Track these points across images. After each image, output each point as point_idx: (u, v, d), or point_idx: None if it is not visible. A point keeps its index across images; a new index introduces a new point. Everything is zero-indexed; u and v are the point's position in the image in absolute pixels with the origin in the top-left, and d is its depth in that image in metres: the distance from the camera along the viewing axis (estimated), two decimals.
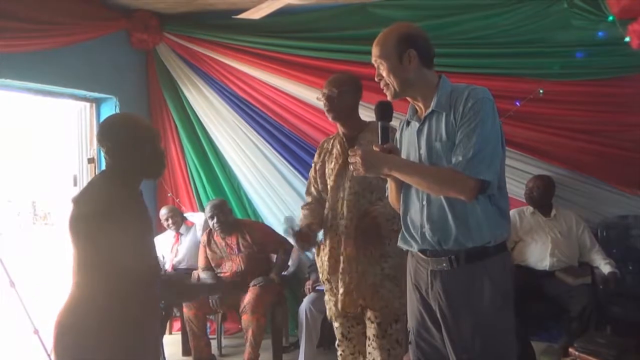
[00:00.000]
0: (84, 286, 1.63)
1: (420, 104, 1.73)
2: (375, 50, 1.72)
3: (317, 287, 3.49)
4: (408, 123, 1.81)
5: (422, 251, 1.72)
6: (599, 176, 3.34)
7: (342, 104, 2.33)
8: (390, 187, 1.84)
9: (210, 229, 3.77)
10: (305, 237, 2.31)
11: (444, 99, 1.67)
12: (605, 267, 3.14)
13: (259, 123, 4.20)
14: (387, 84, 1.70)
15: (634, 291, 3.15)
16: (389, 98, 1.74)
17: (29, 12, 3.43)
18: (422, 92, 1.71)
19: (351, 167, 1.74)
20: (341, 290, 2.28)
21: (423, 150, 1.69)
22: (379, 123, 1.74)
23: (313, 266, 3.52)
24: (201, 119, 4.43)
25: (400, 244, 1.84)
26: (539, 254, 3.28)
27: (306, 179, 3.79)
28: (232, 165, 4.40)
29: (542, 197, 3.33)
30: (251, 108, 4.22)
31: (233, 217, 3.83)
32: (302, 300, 3.57)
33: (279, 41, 3.96)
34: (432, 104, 1.68)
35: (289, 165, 4.14)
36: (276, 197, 4.21)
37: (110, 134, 1.75)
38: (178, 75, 4.43)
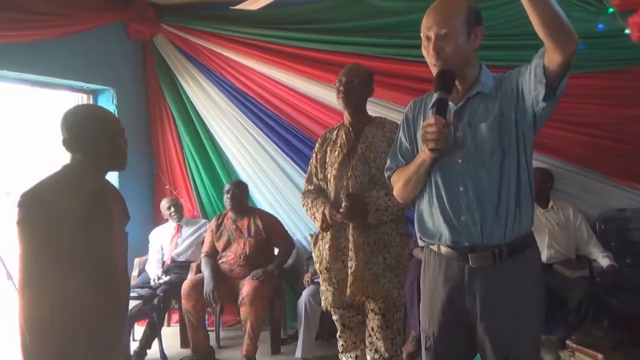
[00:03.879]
0: (39, 285, 1.59)
1: (460, 86, 1.61)
2: (441, 21, 1.51)
3: (315, 280, 3.50)
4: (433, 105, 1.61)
5: (456, 246, 1.57)
6: (598, 169, 3.33)
7: (357, 94, 2.37)
8: (416, 168, 1.62)
9: (221, 214, 3.83)
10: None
11: (490, 82, 1.60)
12: (603, 260, 3.15)
13: (256, 115, 4.19)
14: (440, 58, 1.52)
15: (631, 284, 3.15)
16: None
17: (26, 3, 3.40)
18: (471, 73, 1.60)
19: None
20: (350, 279, 2.27)
21: (461, 132, 1.56)
22: (437, 93, 1.52)
23: (311, 259, 3.52)
24: (199, 110, 4.41)
25: (422, 237, 1.67)
26: None
27: (303, 170, 3.80)
28: (230, 157, 4.40)
29: (538, 188, 3.31)
30: (249, 100, 4.21)
31: (247, 202, 3.87)
32: (300, 293, 3.59)
33: (276, 33, 3.94)
34: (478, 87, 1.58)
35: (286, 157, 4.13)
36: (274, 188, 4.21)
37: (71, 125, 1.70)
38: (175, 66, 4.41)
